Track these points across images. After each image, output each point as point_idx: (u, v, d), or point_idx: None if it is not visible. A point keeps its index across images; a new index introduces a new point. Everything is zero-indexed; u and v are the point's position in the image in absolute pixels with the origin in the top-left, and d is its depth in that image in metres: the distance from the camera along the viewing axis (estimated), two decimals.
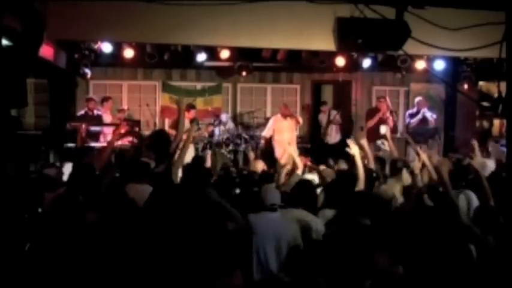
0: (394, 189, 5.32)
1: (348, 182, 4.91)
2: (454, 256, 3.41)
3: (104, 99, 9.68)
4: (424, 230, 3.65)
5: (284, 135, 9.64)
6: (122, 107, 10.42)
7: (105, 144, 7.12)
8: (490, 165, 5.89)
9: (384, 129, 7.99)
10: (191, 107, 9.77)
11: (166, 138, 5.45)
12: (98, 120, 8.94)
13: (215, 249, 3.39)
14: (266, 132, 10.13)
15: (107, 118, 9.26)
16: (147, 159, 5.73)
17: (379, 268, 2.78)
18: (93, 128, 8.44)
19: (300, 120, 10.05)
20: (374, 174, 5.53)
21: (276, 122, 9.96)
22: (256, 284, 3.83)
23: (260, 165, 6.59)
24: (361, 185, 4.94)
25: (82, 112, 9.23)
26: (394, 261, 2.79)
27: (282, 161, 6.89)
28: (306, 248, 3.89)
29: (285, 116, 9.84)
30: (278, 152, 9.32)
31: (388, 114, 9.48)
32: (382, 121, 9.42)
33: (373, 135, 9.08)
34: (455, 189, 4.50)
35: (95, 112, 9.18)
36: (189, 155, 9.18)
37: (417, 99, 10.42)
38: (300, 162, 5.99)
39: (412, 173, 5.18)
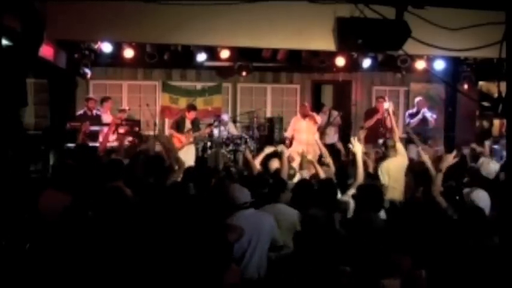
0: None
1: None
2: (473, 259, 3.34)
3: (104, 99, 9.67)
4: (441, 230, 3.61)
5: (303, 135, 9.40)
6: (122, 107, 10.40)
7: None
8: (494, 166, 5.74)
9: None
10: (192, 107, 9.75)
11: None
12: (97, 120, 8.93)
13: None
14: (288, 133, 10.00)
15: (107, 118, 9.23)
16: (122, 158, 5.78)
17: (403, 270, 2.73)
18: (92, 128, 8.42)
19: (318, 119, 9.74)
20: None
21: (295, 122, 9.80)
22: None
23: (275, 164, 6.26)
24: (358, 182, 4.93)
25: (81, 112, 9.21)
26: (416, 264, 2.75)
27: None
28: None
29: (303, 116, 9.66)
30: (294, 151, 8.59)
31: (386, 114, 9.45)
32: (381, 122, 9.40)
33: (373, 135, 9.06)
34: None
35: (94, 112, 9.17)
36: (191, 156, 9.22)
37: (417, 99, 10.42)
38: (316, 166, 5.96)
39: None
